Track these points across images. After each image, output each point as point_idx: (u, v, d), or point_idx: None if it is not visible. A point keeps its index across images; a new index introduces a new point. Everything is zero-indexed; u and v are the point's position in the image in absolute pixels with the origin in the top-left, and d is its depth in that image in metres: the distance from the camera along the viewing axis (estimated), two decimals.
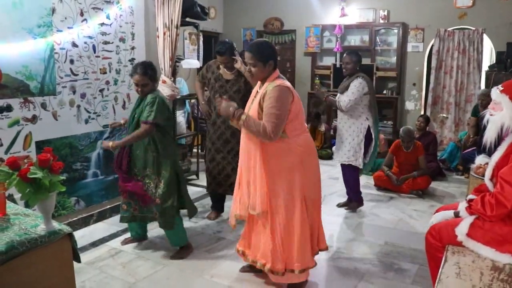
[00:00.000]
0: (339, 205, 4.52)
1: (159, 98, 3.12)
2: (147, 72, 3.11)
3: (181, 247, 3.34)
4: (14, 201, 3.00)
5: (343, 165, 4.28)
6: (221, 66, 3.81)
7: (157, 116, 3.06)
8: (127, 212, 3.31)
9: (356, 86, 4.00)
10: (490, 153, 2.47)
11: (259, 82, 2.74)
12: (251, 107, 2.67)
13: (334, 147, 4.52)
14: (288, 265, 2.68)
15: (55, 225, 2.05)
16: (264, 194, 2.59)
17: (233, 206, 2.79)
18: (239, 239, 2.97)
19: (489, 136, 2.29)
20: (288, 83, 2.63)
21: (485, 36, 6.74)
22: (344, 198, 4.65)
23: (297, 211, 2.63)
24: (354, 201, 4.39)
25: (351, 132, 4.11)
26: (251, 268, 3.00)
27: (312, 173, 2.72)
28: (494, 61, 6.59)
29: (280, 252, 2.65)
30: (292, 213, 2.63)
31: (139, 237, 3.55)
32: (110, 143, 3.11)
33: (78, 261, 2.16)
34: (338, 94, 4.17)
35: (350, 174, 4.30)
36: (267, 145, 2.58)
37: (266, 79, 2.64)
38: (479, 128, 5.64)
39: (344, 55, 4.19)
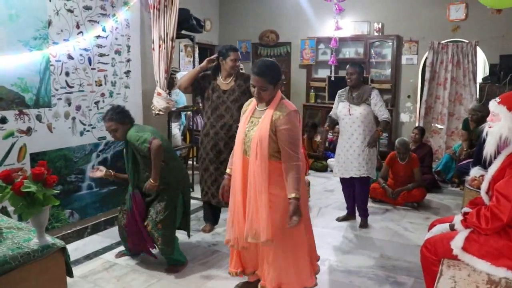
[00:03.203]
0: (339, 219, 4.45)
1: (133, 133, 3.12)
2: (112, 118, 3.12)
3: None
4: (8, 213, 2.98)
5: (357, 180, 4.17)
6: (218, 77, 3.83)
7: (147, 136, 3.04)
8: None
9: (380, 97, 4.12)
10: (485, 166, 2.48)
11: (253, 99, 2.64)
12: (260, 128, 2.49)
13: (336, 160, 4.38)
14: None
15: (48, 239, 2.03)
16: (269, 221, 2.47)
17: (238, 230, 2.60)
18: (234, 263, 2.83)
19: (489, 149, 2.29)
20: (293, 105, 2.56)
21: (478, 49, 6.81)
22: (339, 211, 4.64)
23: (301, 232, 2.59)
24: (365, 217, 4.32)
25: (366, 143, 4.04)
26: (247, 284, 2.95)
27: (304, 190, 2.68)
28: (488, 73, 6.65)
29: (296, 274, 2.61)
30: (297, 235, 2.58)
31: (132, 254, 3.51)
32: (153, 183, 3.09)
33: (71, 276, 2.14)
34: (351, 105, 4.10)
35: (367, 187, 4.34)
36: (272, 173, 2.48)
37: (272, 100, 2.54)
38: (472, 141, 5.68)
39: (348, 66, 4.20)
